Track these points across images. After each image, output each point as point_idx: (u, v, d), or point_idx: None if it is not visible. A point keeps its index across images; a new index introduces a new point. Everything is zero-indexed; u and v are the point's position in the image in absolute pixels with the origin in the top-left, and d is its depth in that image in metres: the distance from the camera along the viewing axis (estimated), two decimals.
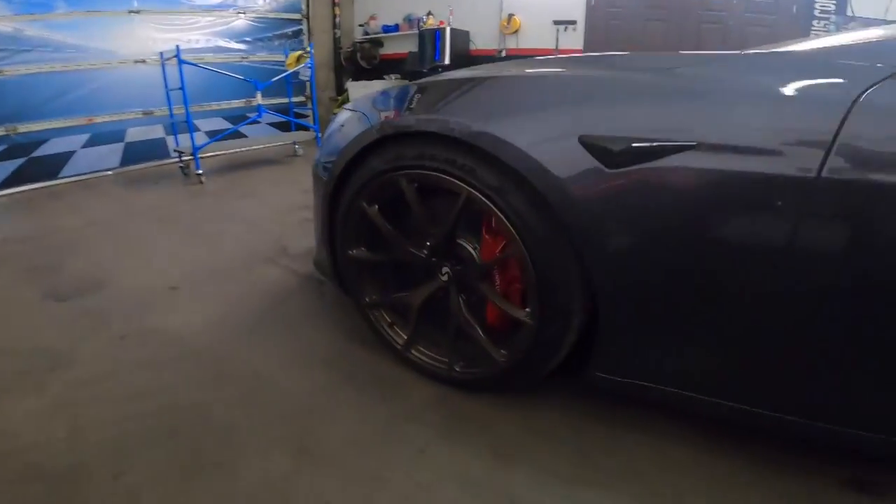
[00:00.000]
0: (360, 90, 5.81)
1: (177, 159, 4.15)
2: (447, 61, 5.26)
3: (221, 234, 2.67)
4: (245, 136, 4.98)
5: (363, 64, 6.21)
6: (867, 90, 0.81)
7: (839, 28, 3.98)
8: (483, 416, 1.28)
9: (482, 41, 5.62)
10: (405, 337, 1.44)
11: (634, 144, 0.92)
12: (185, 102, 3.75)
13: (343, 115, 1.56)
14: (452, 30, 5.30)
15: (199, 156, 3.84)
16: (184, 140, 4.09)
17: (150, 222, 2.90)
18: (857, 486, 1.06)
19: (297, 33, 5.72)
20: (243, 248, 2.44)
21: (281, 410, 1.30)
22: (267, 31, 5.36)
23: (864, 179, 0.79)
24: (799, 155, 0.82)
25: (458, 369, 1.34)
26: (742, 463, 1.12)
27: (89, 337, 1.66)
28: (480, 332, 1.27)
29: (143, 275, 2.15)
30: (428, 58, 5.31)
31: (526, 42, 5.41)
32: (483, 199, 1.12)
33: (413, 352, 1.43)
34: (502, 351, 1.24)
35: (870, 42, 1.07)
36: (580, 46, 5.07)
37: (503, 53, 5.55)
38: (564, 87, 1.12)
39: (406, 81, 5.92)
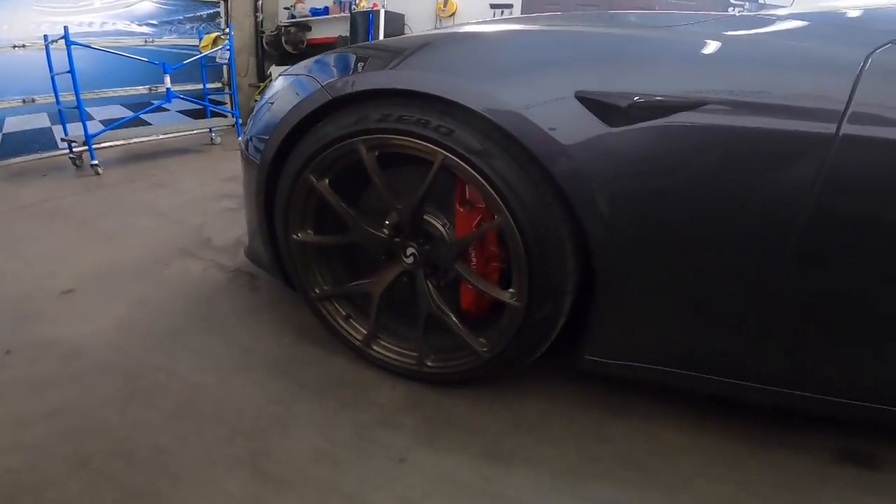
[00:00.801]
0: None
1: (66, 150, 3.74)
2: None
3: (126, 227, 2.39)
4: (150, 123, 4.62)
5: (289, 49, 5.94)
6: (875, 51, 0.82)
7: None
8: (464, 414, 1.18)
9: (417, 24, 5.55)
10: (364, 331, 1.32)
11: (639, 100, 0.87)
12: (76, 88, 3.46)
13: (278, 84, 1.41)
14: (387, 12, 5.19)
15: (95, 145, 3.53)
16: (75, 129, 3.75)
17: (35, 218, 2.55)
18: (852, 457, 1.07)
19: (214, 16, 5.43)
20: (156, 242, 2.19)
21: (223, 428, 1.12)
22: (177, 13, 5.04)
23: (882, 138, 0.79)
24: (816, 114, 0.81)
25: (430, 363, 1.24)
26: (737, 442, 1.11)
27: None
28: (456, 321, 1.17)
29: (27, 278, 1.84)
30: (360, 41, 5.16)
31: None
32: (463, 164, 1.02)
33: (375, 347, 1.31)
34: (482, 340, 1.15)
35: (863, 9, 1.10)
36: None
37: None
38: (559, 42, 1.05)
39: None
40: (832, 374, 0.96)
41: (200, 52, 4.46)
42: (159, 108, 4.35)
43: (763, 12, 1.20)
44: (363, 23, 5.17)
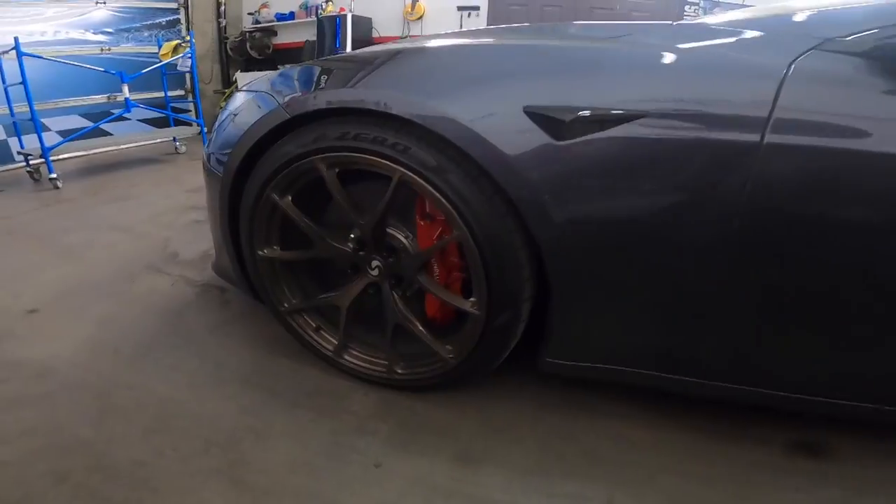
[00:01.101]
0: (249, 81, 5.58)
1: (23, 163, 3.70)
2: (349, 50, 5.18)
3: (90, 244, 2.39)
4: (110, 134, 4.57)
5: (254, 54, 5.95)
6: (798, 58, 0.88)
7: (706, 12, 4.55)
8: (436, 418, 1.24)
9: (385, 28, 5.64)
10: (335, 342, 1.37)
11: (583, 114, 0.93)
12: (29, 99, 3.44)
13: (239, 99, 1.44)
14: (354, 16, 5.27)
15: (53, 158, 3.51)
16: (31, 141, 3.70)
17: None
18: (805, 448, 1.15)
19: (174, 23, 5.41)
20: (121, 258, 2.20)
21: (199, 440, 1.17)
22: (134, 21, 5.02)
23: (804, 144, 0.86)
24: (741, 123, 0.87)
25: (399, 371, 1.29)
26: (697, 437, 1.18)
27: None
28: (422, 329, 1.23)
29: None
30: (328, 47, 5.23)
31: (430, 28, 5.50)
32: (420, 180, 1.07)
33: (346, 357, 1.36)
34: (448, 346, 1.21)
35: (791, 14, 1.16)
36: None
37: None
38: (508, 57, 1.10)
39: None
40: (784, 370, 1.03)
41: (160, 61, 4.45)
42: (120, 118, 4.31)
43: (697, 20, 1.29)
44: (330, 27, 5.22)
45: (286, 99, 1.21)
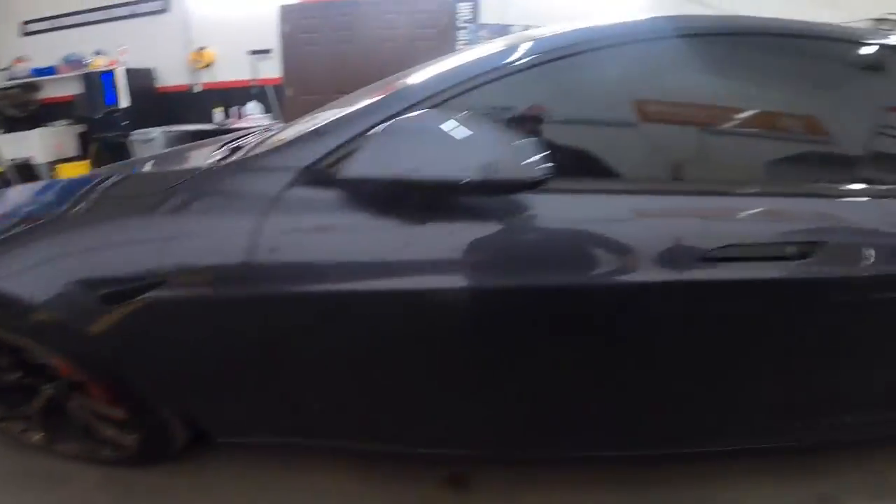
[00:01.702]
0: (13, 143, 5.26)
1: None
2: (126, 104, 5.14)
3: None
4: None
5: (13, 112, 5.56)
6: (273, 202, 1.05)
7: (476, 35, 5.08)
8: (155, 484, 1.45)
9: (172, 77, 5.63)
10: (43, 435, 1.49)
11: (118, 288, 1.10)
12: None
13: None
14: (129, 70, 5.21)
15: None
16: None
17: None
18: (454, 482, 1.44)
19: None
20: None
21: None
22: None
23: (293, 290, 1.05)
24: (233, 277, 1.05)
25: (106, 453, 1.45)
26: (369, 481, 1.45)
27: None
28: (105, 426, 1.40)
29: None
30: (99, 103, 5.11)
31: (221, 74, 5.58)
32: (27, 344, 1.25)
33: (60, 446, 1.49)
34: (133, 436, 1.38)
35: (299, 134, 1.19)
36: (278, 75, 5.44)
37: (196, 88, 5.66)
38: (59, 232, 1.23)
39: (79, 126, 5.52)
40: (393, 429, 1.30)
41: None
42: None
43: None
44: (99, 83, 5.13)
45: None
